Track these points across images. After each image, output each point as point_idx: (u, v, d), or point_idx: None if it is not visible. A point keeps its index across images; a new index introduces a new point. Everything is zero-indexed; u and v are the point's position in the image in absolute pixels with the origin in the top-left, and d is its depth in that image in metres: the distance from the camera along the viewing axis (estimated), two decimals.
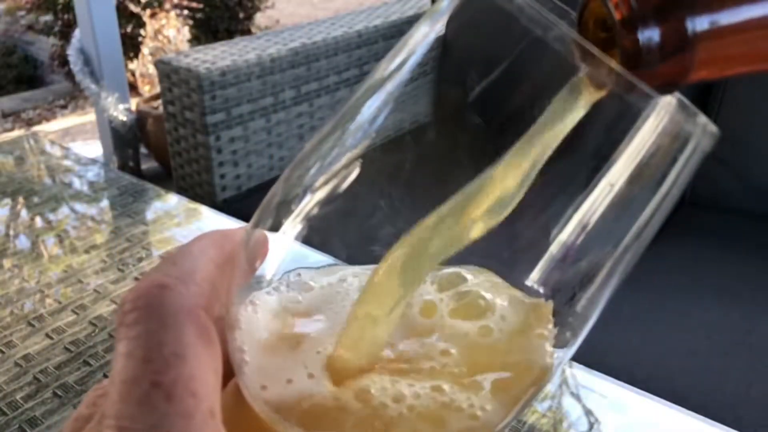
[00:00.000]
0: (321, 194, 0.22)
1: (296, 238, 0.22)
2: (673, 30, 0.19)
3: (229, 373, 0.22)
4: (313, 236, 0.22)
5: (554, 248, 0.21)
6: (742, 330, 0.94)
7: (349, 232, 0.23)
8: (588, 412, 0.48)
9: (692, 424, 0.47)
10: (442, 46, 0.21)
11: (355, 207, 0.22)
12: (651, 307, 0.96)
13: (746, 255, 1.10)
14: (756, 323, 0.95)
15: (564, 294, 0.22)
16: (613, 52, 0.20)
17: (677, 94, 0.21)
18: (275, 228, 0.23)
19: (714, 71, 0.20)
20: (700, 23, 0.19)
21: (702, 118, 0.20)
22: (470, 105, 0.21)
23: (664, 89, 0.20)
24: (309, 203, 0.22)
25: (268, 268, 0.24)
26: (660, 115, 0.19)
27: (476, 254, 0.24)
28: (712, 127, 0.20)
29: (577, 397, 0.49)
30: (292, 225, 0.22)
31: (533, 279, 0.22)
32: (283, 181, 0.23)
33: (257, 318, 0.23)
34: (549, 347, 0.22)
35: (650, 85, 0.19)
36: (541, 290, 0.23)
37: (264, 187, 1.44)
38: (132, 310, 0.20)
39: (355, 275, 0.25)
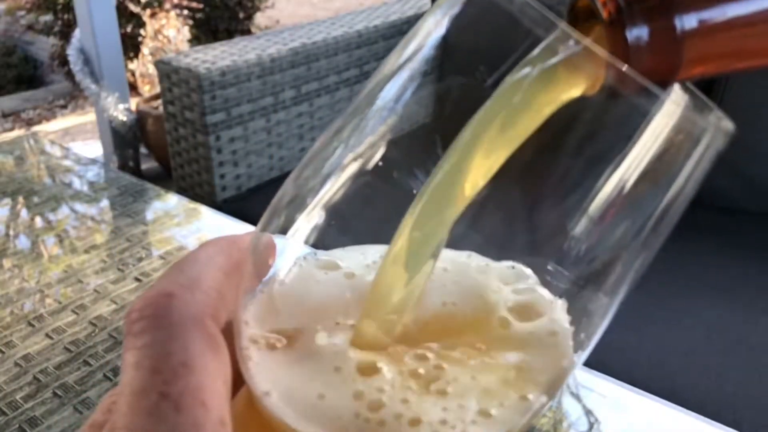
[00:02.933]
0: (346, 175, 0.22)
1: (317, 226, 0.22)
2: (662, 28, 0.19)
3: (238, 380, 0.22)
4: (337, 221, 0.22)
5: (566, 248, 0.21)
6: (742, 330, 0.94)
7: (376, 212, 0.23)
8: (588, 412, 0.49)
9: (691, 423, 0.47)
10: (447, 43, 0.21)
11: (383, 187, 0.22)
12: (650, 306, 0.96)
13: (746, 255, 1.10)
14: (755, 323, 0.95)
15: (577, 294, 0.22)
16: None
17: (691, 89, 0.20)
18: (287, 226, 0.22)
19: (703, 69, 0.20)
20: (688, 21, 0.19)
21: (715, 115, 0.20)
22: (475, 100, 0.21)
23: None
24: (331, 189, 0.22)
25: (280, 271, 0.24)
26: (671, 111, 0.19)
27: (491, 254, 0.24)
28: (726, 124, 0.20)
29: (577, 397, 0.50)
30: (307, 219, 0.22)
31: (545, 278, 0.23)
32: (292, 181, 0.23)
33: (267, 311, 0.23)
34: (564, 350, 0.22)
35: None
36: (553, 290, 0.23)
37: (264, 187, 1.45)
38: (139, 320, 0.20)
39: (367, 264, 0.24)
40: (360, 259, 0.24)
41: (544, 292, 0.23)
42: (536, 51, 0.19)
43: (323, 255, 0.24)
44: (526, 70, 0.19)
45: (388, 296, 0.22)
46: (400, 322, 0.22)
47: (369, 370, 0.21)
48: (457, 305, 0.23)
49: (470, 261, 0.24)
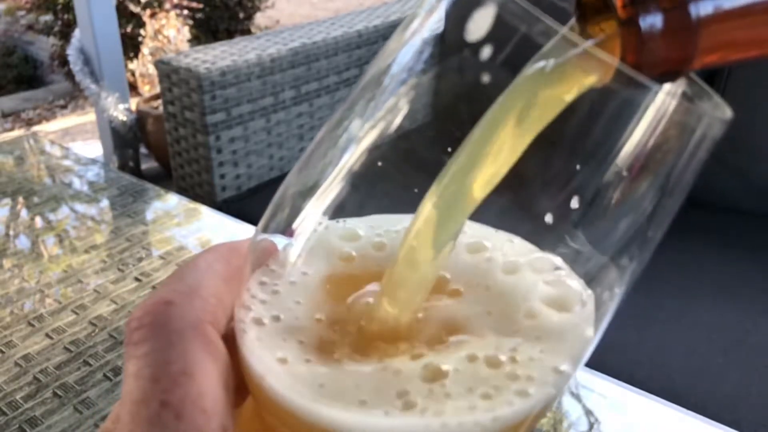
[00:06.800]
0: (367, 143, 0.21)
1: (335, 199, 0.22)
2: (676, 15, 0.18)
3: (241, 386, 0.21)
4: (358, 192, 0.22)
5: (565, 243, 0.21)
6: (742, 329, 0.94)
7: (399, 179, 0.22)
8: (588, 412, 0.48)
9: (691, 423, 0.47)
10: (442, 39, 0.21)
11: (407, 150, 0.22)
12: (650, 306, 0.96)
13: (746, 255, 1.10)
14: (755, 323, 0.95)
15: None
16: (615, 40, 0.19)
17: (688, 76, 0.20)
18: (292, 218, 0.22)
19: (718, 57, 0.19)
20: (704, 7, 0.18)
21: (711, 102, 0.19)
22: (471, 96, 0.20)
23: (668, 77, 0.19)
24: (350, 160, 0.21)
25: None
26: (667, 99, 0.18)
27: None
28: (723, 111, 0.19)
29: (577, 397, 0.49)
30: (320, 201, 0.22)
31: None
32: (296, 173, 0.22)
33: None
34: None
35: (653, 73, 0.18)
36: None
37: (264, 187, 1.45)
38: (138, 328, 0.20)
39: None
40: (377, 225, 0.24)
41: (574, 283, 0.22)
42: (549, 45, 0.19)
43: (341, 226, 0.24)
44: (541, 63, 0.19)
45: (409, 275, 0.21)
46: (420, 302, 0.21)
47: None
48: (487, 291, 0.22)
49: (495, 258, 0.24)
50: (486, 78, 0.20)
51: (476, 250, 0.24)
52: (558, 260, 0.23)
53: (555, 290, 0.22)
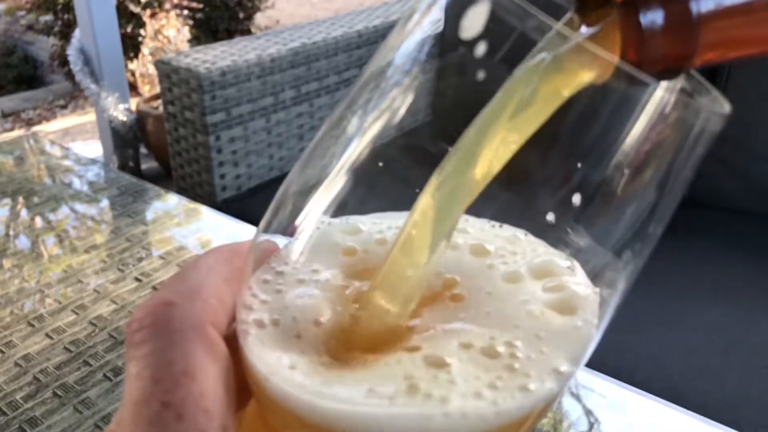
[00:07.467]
0: (371, 134, 0.21)
1: (336, 197, 0.22)
2: (677, 12, 0.18)
3: (244, 387, 0.21)
4: (363, 185, 0.22)
5: (564, 239, 0.21)
6: (742, 330, 0.94)
7: (405, 171, 0.22)
8: (588, 412, 0.48)
9: (691, 424, 0.47)
10: (442, 37, 0.21)
11: (413, 141, 0.21)
12: (650, 307, 0.96)
13: (746, 255, 1.10)
14: (755, 323, 0.95)
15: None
16: (615, 37, 0.19)
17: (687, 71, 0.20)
18: (294, 215, 0.22)
19: (719, 54, 0.19)
20: (705, 4, 0.18)
21: (708, 98, 0.19)
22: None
23: (668, 74, 0.19)
24: (354, 153, 0.21)
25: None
26: (666, 94, 0.18)
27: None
28: (721, 106, 0.19)
29: (577, 397, 0.49)
30: (321, 198, 0.22)
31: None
32: (297, 171, 0.22)
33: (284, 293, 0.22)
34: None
35: (653, 70, 0.18)
36: None
37: (264, 187, 1.45)
38: (139, 329, 0.20)
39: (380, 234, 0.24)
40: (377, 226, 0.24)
41: (579, 288, 0.22)
42: (548, 37, 0.19)
43: (341, 223, 0.24)
44: (540, 56, 0.19)
45: (405, 266, 0.21)
46: (415, 295, 0.21)
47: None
48: (488, 295, 0.22)
49: (495, 266, 0.23)
50: (487, 76, 0.20)
51: (479, 252, 0.24)
52: (563, 259, 0.23)
53: (558, 294, 0.22)
